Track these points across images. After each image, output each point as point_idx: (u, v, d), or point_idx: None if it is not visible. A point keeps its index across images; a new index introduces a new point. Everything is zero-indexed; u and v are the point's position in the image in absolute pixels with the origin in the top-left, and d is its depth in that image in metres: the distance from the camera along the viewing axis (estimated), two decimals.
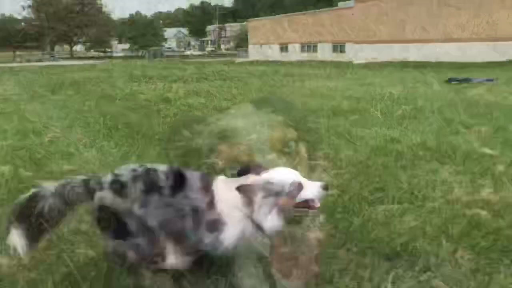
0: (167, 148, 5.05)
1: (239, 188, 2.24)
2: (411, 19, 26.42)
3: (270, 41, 44.79)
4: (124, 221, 2.25)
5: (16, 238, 2.23)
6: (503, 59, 20.48)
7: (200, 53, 77.31)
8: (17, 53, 61.96)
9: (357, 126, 6.44)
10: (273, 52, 43.72)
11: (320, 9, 40.27)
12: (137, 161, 4.02)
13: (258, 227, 2.27)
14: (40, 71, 23.48)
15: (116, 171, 2.37)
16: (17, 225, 2.24)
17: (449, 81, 12.39)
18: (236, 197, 2.25)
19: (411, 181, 3.86)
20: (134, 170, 2.35)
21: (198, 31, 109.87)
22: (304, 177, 2.37)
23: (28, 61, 48.41)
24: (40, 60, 50.55)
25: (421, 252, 2.67)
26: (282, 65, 30.27)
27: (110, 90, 12.19)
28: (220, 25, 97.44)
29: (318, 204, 2.37)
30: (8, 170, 4.13)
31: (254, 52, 47.54)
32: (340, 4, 37.08)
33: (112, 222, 2.26)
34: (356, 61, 29.48)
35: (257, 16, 54.85)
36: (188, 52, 78.01)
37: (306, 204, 2.35)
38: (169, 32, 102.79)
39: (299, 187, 2.31)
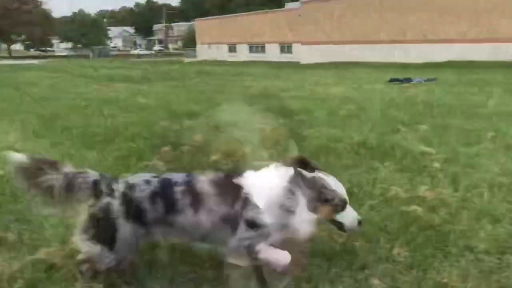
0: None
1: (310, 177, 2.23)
2: (358, 20, 27.10)
3: (218, 41, 44.63)
4: (115, 230, 2.23)
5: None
6: (443, 59, 21.39)
7: (147, 52, 75.87)
8: None
9: (303, 126, 6.49)
10: (221, 52, 43.60)
11: (268, 10, 40.55)
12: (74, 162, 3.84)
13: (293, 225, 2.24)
14: None
15: (130, 181, 2.33)
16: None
17: (391, 81, 12.78)
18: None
19: (352, 180, 3.91)
20: (148, 182, 2.31)
21: (145, 30, 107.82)
22: None
23: None
24: None
25: (359, 250, 2.70)
26: (230, 65, 30.25)
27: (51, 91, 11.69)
28: (167, 24, 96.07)
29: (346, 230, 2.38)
30: None
31: (203, 52, 47.22)
32: (288, 5, 37.50)
33: (107, 228, 2.23)
34: (303, 62, 29.91)
35: (206, 15, 54.51)
36: (135, 52, 76.33)
37: (338, 222, 2.36)
38: (114, 31, 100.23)
39: (344, 204, 2.35)
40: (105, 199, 2.25)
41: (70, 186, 2.25)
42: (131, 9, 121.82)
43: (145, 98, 9.87)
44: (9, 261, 2.55)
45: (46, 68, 26.24)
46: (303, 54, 31.35)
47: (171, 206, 2.24)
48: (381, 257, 2.59)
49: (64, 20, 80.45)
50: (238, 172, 2.37)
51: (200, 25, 49.81)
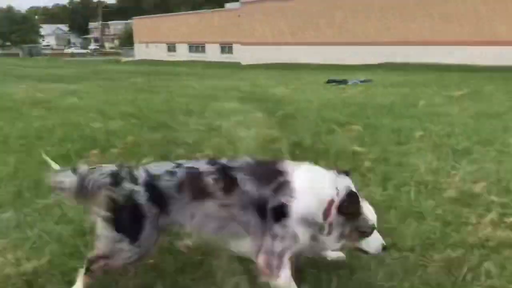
0: None
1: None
2: (298, 21, 27.50)
3: (156, 40, 43.80)
4: (141, 219, 2.08)
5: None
6: (378, 61, 22.16)
7: (82, 51, 73.09)
8: None
9: (240, 127, 6.45)
10: (160, 52, 42.82)
11: (208, 10, 40.32)
12: None
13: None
14: None
15: (153, 170, 2.18)
16: None
17: (329, 82, 13.05)
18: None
19: None
20: (172, 173, 2.15)
21: (80, 28, 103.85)
22: None
23: None
24: None
25: None
26: (168, 64, 29.77)
27: None
28: (103, 22, 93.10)
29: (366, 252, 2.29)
30: None
31: (140, 51, 46.16)
32: (227, 5, 37.46)
33: (131, 217, 2.08)
34: (244, 62, 29.98)
35: (143, 14, 53.34)
36: (69, 50, 73.29)
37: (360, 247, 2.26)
38: (47, 28, 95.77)
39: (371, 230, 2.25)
40: (128, 185, 2.11)
41: (83, 183, 2.15)
42: (64, 6, 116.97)
43: (76, 99, 9.47)
44: None
45: None
46: (244, 54, 31.43)
47: (199, 195, 2.11)
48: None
49: None
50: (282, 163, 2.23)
51: (138, 23, 48.67)
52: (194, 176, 2.14)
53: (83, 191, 2.17)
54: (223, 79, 15.79)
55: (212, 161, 2.23)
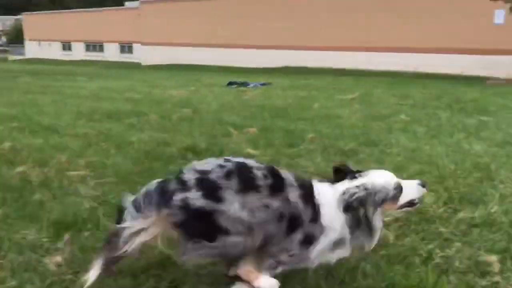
0: None
1: (348, 194, 2.13)
2: (198, 23, 27.31)
3: (50, 38, 41.05)
4: (213, 223, 1.97)
5: None
6: (279, 65, 22.72)
7: None
8: None
9: (132, 130, 6.18)
10: (54, 50, 40.20)
11: (106, 8, 38.66)
12: None
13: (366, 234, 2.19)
14: None
15: (198, 167, 2.08)
16: None
17: (229, 84, 13.08)
18: (338, 203, 2.14)
19: None
20: (222, 166, 2.07)
21: None
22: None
23: None
24: None
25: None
26: (62, 64, 28.07)
27: None
28: None
29: (418, 202, 2.40)
30: None
31: (32, 50, 42.96)
32: (127, 3, 36.22)
33: (199, 223, 1.98)
34: (144, 63, 29.16)
35: (35, 9, 49.74)
36: None
37: (407, 204, 2.34)
38: None
39: (400, 189, 2.27)
40: (179, 196, 1.99)
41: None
42: None
43: None
44: None
45: None
46: (144, 55, 30.58)
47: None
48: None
49: None
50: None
51: (29, 19, 45.26)
52: (242, 170, 2.09)
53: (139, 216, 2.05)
54: (121, 80, 15.17)
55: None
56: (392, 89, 11.82)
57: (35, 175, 3.99)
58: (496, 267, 2.58)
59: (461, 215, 3.26)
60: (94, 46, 37.63)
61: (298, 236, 2.12)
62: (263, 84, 13.24)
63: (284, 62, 22.98)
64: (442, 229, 3.06)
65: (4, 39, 72.28)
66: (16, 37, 55.33)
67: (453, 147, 5.33)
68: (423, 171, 4.24)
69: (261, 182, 2.07)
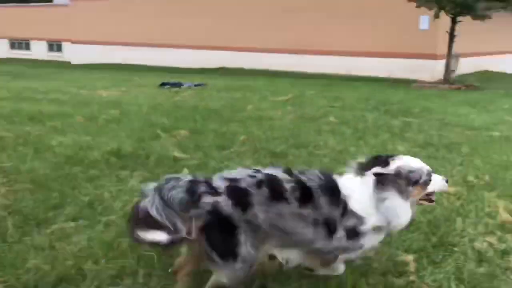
0: None
1: (380, 179, 2.20)
2: (131, 21, 26.55)
3: None
4: (235, 231, 2.00)
5: None
6: (214, 66, 22.56)
7: None
8: None
9: (54, 133, 5.85)
10: None
11: (33, 4, 36.67)
12: None
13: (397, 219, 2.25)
14: None
15: (228, 175, 2.14)
16: None
17: (162, 85, 12.79)
18: (369, 192, 2.22)
19: (94, 193, 3.58)
20: (252, 176, 2.13)
21: None
22: None
23: None
24: None
25: (87, 275, 2.40)
26: None
27: None
28: None
29: (434, 198, 2.44)
30: None
31: None
32: (56, 0, 34.54)
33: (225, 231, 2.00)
34: (74, 62, 27.95)
35: None
36: None
37: (427, 197, 2.39)
38: None
39: (431, 176, 2.34)
40: (208, 199, 2.01)
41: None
42: None
43: None
44: None
45: None
46: (74, 53, 29.30)
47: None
48: (104, 281, 2.34)
49: None
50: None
51: None
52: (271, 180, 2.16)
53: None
54: (47, 80, 14.39)
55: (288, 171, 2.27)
56: (324, 91, 12.07)
57: None
58: (412, 267, 2.66)
59: None
60: (20, 43, 35.57)
61: (340, 233, 2.21)
62: (197, 85, 13.06)
63: (220, 62, 22.88)
64: None
65: None
66: None
67: (378, 148, 5.49)
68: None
69: (290, 193, 2.14)
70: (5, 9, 36.70)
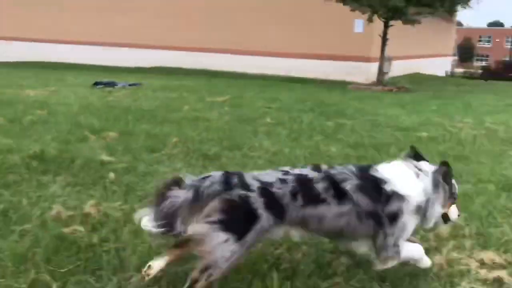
0: None
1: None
2: (61, 16, 25.42)
3: None
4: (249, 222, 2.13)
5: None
6: (152, 65, 22.06)
7: None
8: None
9: None
10: None
11: None
12: None
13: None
14: None
15: (262, 177, 2.24)
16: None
17: (95, 84, 12.30)
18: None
19: (11, 200, 3.34)
20: (285, 181, 2.23)
21: None
22: None
23: None
24: None
25: None
26: None
27: None
28: None
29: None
30: None
31: None
32: None
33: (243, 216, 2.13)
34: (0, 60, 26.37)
35: None
36: None
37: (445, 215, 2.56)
38: None
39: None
40: (241, 191, 2.14)
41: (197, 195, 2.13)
42: None
43: None
44: None
45: None
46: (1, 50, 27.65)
47: (312, 200, 2.23)
48: None
49: None
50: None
51: None
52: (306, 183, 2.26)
53: (198, 202, 2.12)
54: None
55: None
56: (262, 92, 12.11)
57: None
58: (339, 268, 2.67)
59: None
60: None
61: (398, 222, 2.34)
62: (132, 85, 12.68)
63: (158, 62, 22.43)
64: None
65: None
66: None
67: (311, 149, 5.56)
68: None
69: (325, 194, 2.24)
70: None
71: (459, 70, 41.78)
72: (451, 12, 20.75)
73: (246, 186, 2.17)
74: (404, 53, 20.41)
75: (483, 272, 2.62)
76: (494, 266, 2.72)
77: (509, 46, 59.73)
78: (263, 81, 16.32)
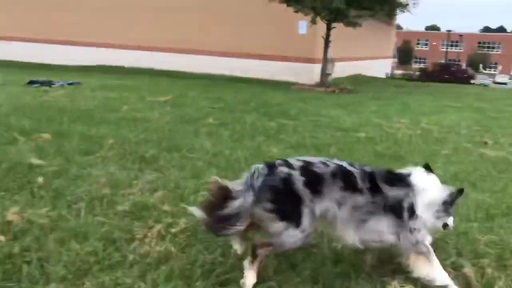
0: None
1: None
2: (4, 11, 24.08)
3: None
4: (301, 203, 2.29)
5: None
6: (93, 63, 21.33)
7: None
8: None
9: None
10: None
11: None
12: None
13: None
14: None
15: (304, 158, 2.44)
16: None
17: (30, 83, 11.71)
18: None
19: None
20: (326, 164, 2.40)
21: None
22: None
23: None
24: None
25: None
26: None
27: None
28: None
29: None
30: None
31: None
32: None
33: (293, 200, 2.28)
34: None
35: None
36: None
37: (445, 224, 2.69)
38: None
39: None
40: (284, 169, 2.31)
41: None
42: None
43: None
44: None
45: None
46: None
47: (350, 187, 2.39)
48: None
49: None
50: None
51: None
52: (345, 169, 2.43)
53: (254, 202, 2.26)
54: None
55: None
56: (207, 92, 12.00)
57: None
58: (272, 272, 2.64)
59: None
60: None
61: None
62: (70, 84, 12.19)
63: (99, 60, 21.73)
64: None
65: None
66: None
67: (253, 150, 5.53)
68: (219, 176, 4.24)
69: (361, 185, 2.42)
70: None
71: (399, 72, 43.35)
72: (391, 15, 21.48)
73: (289, 165, 2.37)
74: (347, 55, 20.91)
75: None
76: None
77: (444, 49, 62.76)
78: (208, 81, 16.21)
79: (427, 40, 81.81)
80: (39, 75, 13.35)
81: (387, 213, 2.47)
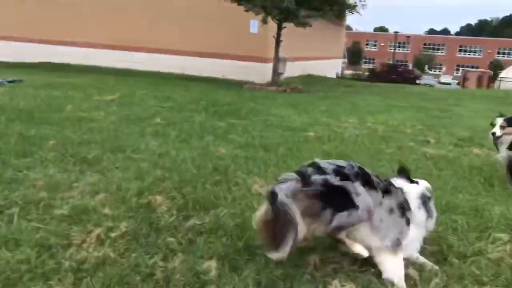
0: None
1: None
2: None
3: None
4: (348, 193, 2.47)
5: None
6: (37, 60, 20.49)
7: None
8: None
9: None
10: None
11: None
12: None
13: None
14: None
15: (336, 162, 2.62)
16: None
17: None
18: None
19: None
20: (352, 166, 2.60)
21: None
22: None
23: None
24: None
25: None
26: None
27: None
28: None
29: None
30: None
31: None
32: None
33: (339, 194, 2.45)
34: None
35: None
36: None
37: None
38: None
39: None
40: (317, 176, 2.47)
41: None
42: None
43: None
44: None
45: None
46: None
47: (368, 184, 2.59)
48: None
49: None
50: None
51: None
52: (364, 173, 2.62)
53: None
54: None
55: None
56: (156, 91, 11.76)
57: None
58: (214, 274, 2.60)
59: (191, 222, 3.25)
60: None
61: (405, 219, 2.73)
62: (11, 81, 11.62)
63: (43, 57, 20.88)
64: (169, 239, 2.98)
65: None
66: None
67: (200, 150, 5.45)
68: (164, 177, 4.16)
69: (377, 184, 2.63)
70: None
71: (349, 72, 44.38)
72: (340, 16, 21.89)
73: (322, 171, 2.51)
74: (299, 55, 21.14)
75: (355, 269, 2.71)
76: (363, 263, 2.83)
77: (392, 50, 64.80)
78: (157, 79, 15.91)
79: (375, 41, 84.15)
80: None
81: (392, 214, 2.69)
